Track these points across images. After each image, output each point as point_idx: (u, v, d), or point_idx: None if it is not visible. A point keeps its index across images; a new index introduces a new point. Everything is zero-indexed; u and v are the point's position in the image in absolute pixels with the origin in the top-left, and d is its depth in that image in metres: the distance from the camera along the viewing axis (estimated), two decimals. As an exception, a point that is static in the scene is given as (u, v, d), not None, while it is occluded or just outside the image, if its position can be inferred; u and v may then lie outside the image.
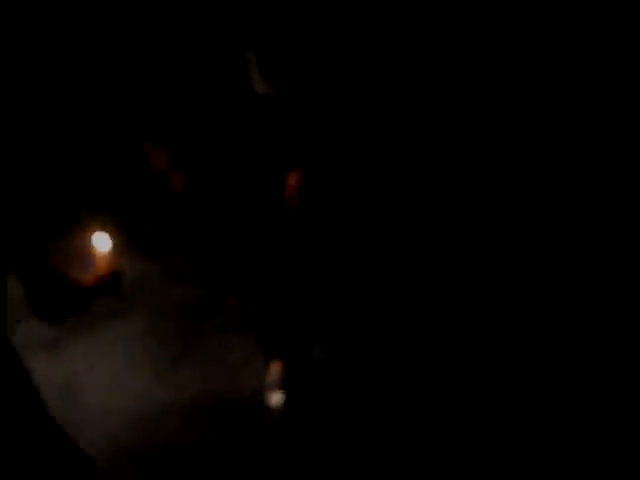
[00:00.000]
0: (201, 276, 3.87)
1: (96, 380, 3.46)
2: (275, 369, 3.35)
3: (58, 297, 3.01)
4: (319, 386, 3.30)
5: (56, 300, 3.02)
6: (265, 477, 2.96)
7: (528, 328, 3.48)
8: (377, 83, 3.72)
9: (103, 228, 2.93)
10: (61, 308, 3.18)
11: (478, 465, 2.87)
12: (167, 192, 2.90)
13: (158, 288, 3.68)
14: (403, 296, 3.76)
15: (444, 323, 3.53)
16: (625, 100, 3.98)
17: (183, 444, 3.08)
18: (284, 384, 3.30)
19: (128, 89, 2.68)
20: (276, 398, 3.29)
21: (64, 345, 3.57)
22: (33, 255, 2.87)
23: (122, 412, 3.21)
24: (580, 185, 4.05)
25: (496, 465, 2.87)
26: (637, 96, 3.98)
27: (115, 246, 3.00)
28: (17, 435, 2.03)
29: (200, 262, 3.88)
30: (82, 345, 3.58)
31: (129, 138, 3.13)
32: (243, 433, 3.13)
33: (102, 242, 2.86)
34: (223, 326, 3.65)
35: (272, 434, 3.14)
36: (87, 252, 2.86)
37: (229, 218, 2.98)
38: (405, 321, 3.60)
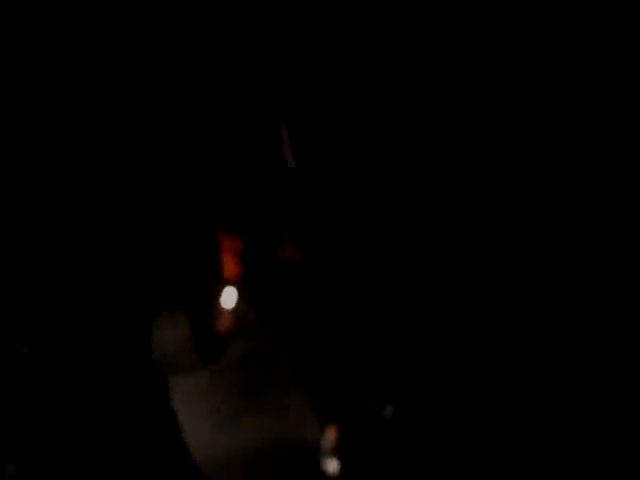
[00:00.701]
0: (263, 330, 3.98)
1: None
2: (331, 434, 3.37)
3: (213, 346, 3.21)
4: (378, 451, 3.34)
5: (212, 348, 3.22)
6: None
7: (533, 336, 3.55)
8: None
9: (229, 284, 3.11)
10: (212, 355, 3.37)
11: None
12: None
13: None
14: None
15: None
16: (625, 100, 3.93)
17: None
18: (340, 451, 3.38)
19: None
20: (332, 465, 3.36)
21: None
22: (202, 312, 3.11)
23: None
24: (580, 185, 3.99)
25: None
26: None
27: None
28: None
29: (262, 315, 4.00)
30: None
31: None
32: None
33: (230, 296, 3.02)
34: (284, 380, 3.77)
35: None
36: (219, 306, 3.05)
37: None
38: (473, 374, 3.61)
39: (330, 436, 3.36)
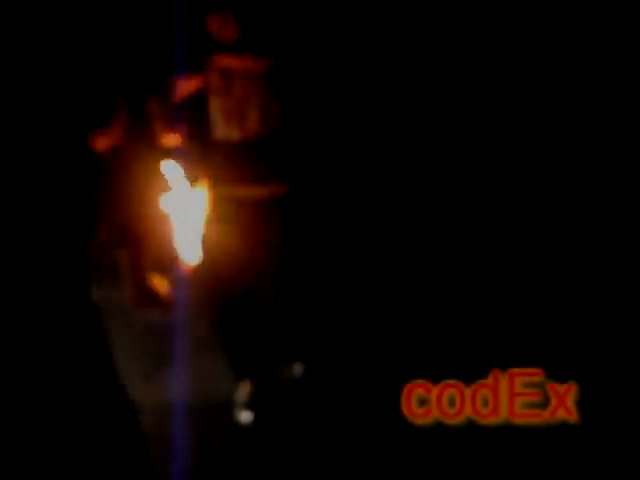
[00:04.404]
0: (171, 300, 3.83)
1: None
2: (244, 388, 3.60)
3: None
4: (288, 404, 3.56)
5: None
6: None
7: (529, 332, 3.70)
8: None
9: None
10: None
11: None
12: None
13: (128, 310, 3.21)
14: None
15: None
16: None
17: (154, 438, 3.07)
18: (252, 403, 3.58)
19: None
20: (245, 416, 3.57)
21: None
22: None
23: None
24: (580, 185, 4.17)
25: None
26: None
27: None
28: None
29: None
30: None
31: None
32: (212, 433, 3.48)
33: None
34: (193, 344, 3.66)
35: (241, 444, 3.48)
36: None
37: None
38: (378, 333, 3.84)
39: (243, 391, 3.81)
